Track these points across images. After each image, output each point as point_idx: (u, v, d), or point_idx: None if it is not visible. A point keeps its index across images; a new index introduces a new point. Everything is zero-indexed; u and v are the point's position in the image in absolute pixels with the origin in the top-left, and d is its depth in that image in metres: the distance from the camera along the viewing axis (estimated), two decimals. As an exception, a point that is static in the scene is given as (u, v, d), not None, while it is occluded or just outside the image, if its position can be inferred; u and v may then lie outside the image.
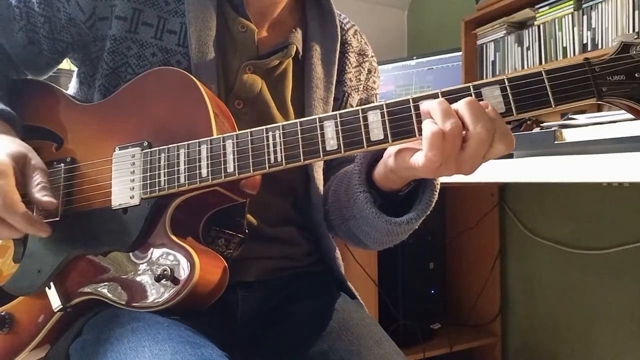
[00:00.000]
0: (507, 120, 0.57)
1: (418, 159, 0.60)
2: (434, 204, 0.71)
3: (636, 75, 0.56)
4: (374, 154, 0.71)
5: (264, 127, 0.64)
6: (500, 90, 0.57)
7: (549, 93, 0.56)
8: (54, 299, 0.68)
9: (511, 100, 0.57)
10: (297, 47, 0.82)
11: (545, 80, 0.56)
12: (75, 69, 0.84)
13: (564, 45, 1.76)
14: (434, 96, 0.59)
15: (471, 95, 0.58)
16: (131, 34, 0.75)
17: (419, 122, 0.58)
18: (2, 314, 0.71)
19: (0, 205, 0.61)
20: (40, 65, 0.81)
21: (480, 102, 0.57)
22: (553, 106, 0.56)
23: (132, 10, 0.74)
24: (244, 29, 0.79)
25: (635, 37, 0.56)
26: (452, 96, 0.58)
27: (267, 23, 0.83)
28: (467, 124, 0.56)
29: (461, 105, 0.56)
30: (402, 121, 0.59)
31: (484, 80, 0.58)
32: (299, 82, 0.83)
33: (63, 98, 0.77)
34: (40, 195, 0.65)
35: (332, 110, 0.83)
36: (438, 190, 0.72)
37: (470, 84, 0.58)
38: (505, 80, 0.57)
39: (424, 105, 0.58)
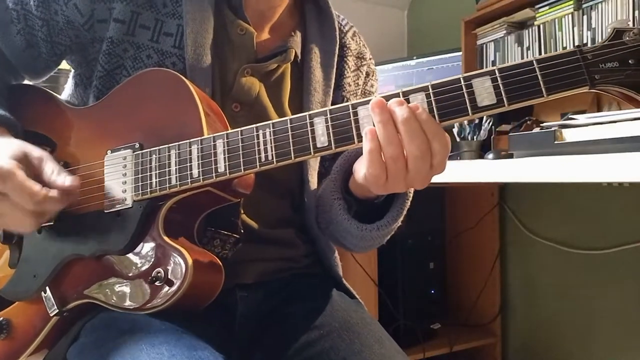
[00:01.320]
0: (499, 112, 0.57)
1: (363, 176, 0.61)
2: (405, 211, 0.74)
3: (630, 61, 0.55)
4: (351, 162, 0.71)
5: (254, 125, 0.63)
6: (491, 81, 0.56)
7: (541, 82, 0.55)
8: (50, 304, 0.68)
9: (502, 91, 0.56)
10: (295, 51, 0.82)
11: (537, 70, 0.55)
12: (72, 70, 0.84)
13: (564, 45, 1.75)
14: (424, 89, 0.58)
15: (461, 88, 0.57)
16: (128, 36, 0.74)
17: None
18: None
19: (29, 201, 0.60)
20: (39, 68, 0.80)
21: (410, 105, 0.57)
22: (545, 96, 0.55)
23: (131, 13, 0.74)
24: (243, 31, 0.78)
25: (629, 22, 0.56)
26: (441, 89, 0.58)
27: (266, 26, 0.82)
28: (403, 144, 0.57)
29: (398, 123, 0.57)
30: None
31: (475, 72, 0.57)
32: (298, 85, 0.83)
33: (55, 102, 0.77)
34: (61, 179, 0.64)
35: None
36: (410, 199, 0.74)
37: (460, 76, 0.58)
38: (496, 71, 0.56)
39: (372, 129, 0.58)
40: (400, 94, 0.59)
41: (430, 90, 0.58)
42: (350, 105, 0.60)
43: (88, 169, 0.70)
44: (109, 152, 0.69)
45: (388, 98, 0.59)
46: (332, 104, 0.84)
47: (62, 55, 0.80)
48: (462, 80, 0.57)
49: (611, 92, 0.56)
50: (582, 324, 1.84)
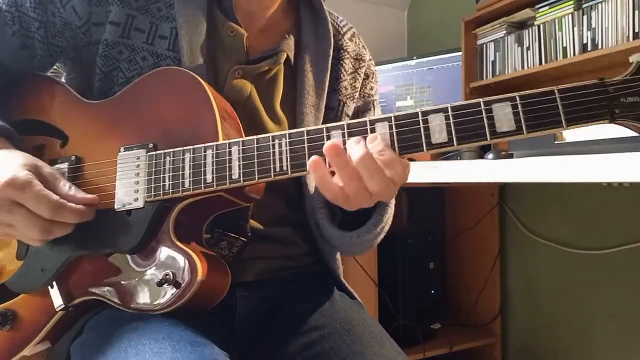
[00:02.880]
0: (516, 139, 0.57)
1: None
2: (384, 219, 0.77)
3: None
4: None
5: (270, 134, 0.63)
6: (512, 108, 0.56)
7: (561, 113, 0.55)
8: (56, 298, 0.68)
9: (522, 119, 0.56)
10: (287, 55, 0.81)
11: (558, 100, 0.55)
12: (64, 74, 0.83)
13: (564, 45, 1.76)
14: (444, 110, 0.58)
15: (481, 112, 0.57)
16: (123, 39, 0.75)
17: (427, 137, 0.58)
18: (5, 310, 0.70)
19: (48, 209, 0.61)
20: (35, 68, 0.79)
21: (372, 135, 0.59)
22: (564, 127, 0.55)
23: (126, 16, 0.74)
24: (233, 33, 0.78)
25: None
26: (460, 111, 0.58)
27: (257, 27, 0.82)
28: (364, 182, 0.59)
29: (356, 162, 0.58)
30: (410, 134, 0.59)
31: (495, 97, 0.57)
32: (291, 88, 0.83)
33: (69, 94, 0.76)
34: (81, 194, 0.66)
35: (323, 117, 0.84)
36: (392, 205, 0.78)
37: (480, 100, 0.57)
38: (517, 98, 0.56)
39: (317, 158, 0.60)
40: (420, 113, 0.59)
41: (450, 112, 0.58)
42: (368, 121, 0.60)
43: (100, 166, 0.70)
44: (121, 149, 0.69)
45: (406, 117, 0.59)
46: (326, 108, 0.84)
47: (57, 57, 0.80)
48: (482, 104, 0.57)
49: (631, 127, 0.56)
50: (582, 324, 1.84)
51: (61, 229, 0.64)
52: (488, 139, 0.57)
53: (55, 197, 0.62)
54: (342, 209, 0.76)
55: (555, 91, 0.55)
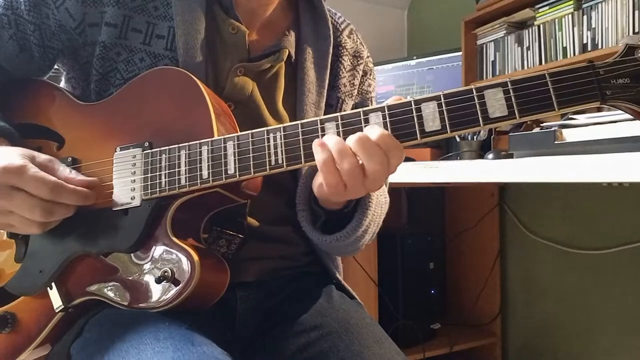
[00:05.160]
0: (510, 124, 0.57)
1: (323, 187, 0.62)
2: (365, 222, 0.76)
3: None
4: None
5: (264, 128, 0.63)
6: (503, 93, 0.57)
7: (552, 96, 0.55)
8: (56, 299, 0.68)
9: (514, 104, 0.56)
10: (289, 51, 0.81)
11: (549, 83, 0.55)
12: (64, 72, 0.83)
13: (564, 45, 1.76)
14: (436, 98, 0.58)
15: (473, 99, 0.57)
16: (120, 40, 0.74)
17: (421, 125, 0.59)
18: (4, 313, 0.70)
19: (47, 189, 0.62)
20: (33, 72, 0.80)
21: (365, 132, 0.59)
22: (556, 109, 0.55)
23: (122, 17, 0.74)
24: (235, 30, 0.78)
25: (641, 39, 0.56)
26: (453, 99, 0.58)
27: (257, 24, 0.82)
28: (363, 162, 0.59)
29: (352, 143, 0.58)
30: (404, 123, 0.59)
31: (487, 83, 0.58)
32: (291, 85, 0.83)
33: (65, 97, 0.76)
34: (81, 176, 0.66)
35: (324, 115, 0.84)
36: (371, 208, 0.76)
37: (472, 87, 0.58)
38: (509, 83, 0.57)
39: (322, 140, 0.60)
40: (412, 102, 0.59)
41: (442, 100, 0.58)
42: (361, 112, 0.61)
43: (96, 166, 0.70)
44: (117, 149, 0.69)
45: (399, 107, 0.60)
46: (326, 105, 0.84)
47: (54, 59, 0.80)
48: (474, 91, 0.57)
49: (621, 107, 0.56)
50: (582, 324, 1.84)
51: (62, 209, 0.64)
52: (481, 124, 0.57)
53: (54, 178, 0.63)
54: (327, 212, 0.76)
55: (546, 75, 0.56)
